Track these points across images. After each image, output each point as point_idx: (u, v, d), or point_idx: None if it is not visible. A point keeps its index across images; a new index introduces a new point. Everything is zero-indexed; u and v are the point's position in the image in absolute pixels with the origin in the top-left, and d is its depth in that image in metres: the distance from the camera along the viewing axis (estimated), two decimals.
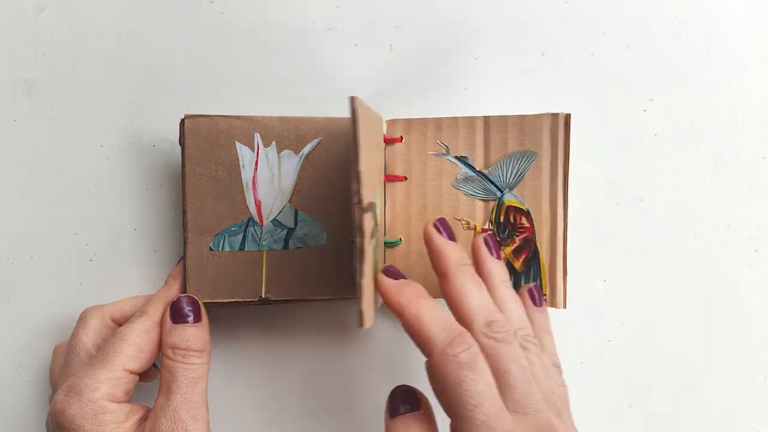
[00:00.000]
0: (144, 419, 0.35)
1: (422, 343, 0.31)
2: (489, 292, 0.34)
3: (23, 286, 0.43)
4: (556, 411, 0.33)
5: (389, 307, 0.33)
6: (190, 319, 0.37)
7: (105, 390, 0.34)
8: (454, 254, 0.34)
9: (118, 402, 0.35)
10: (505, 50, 0.44)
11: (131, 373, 0.36)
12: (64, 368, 0.37)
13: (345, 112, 0.44)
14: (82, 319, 0.39)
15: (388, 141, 0.41)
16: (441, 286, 0.34)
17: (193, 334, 0.36)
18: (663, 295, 0.45)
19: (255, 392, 0.44)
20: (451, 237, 0.35)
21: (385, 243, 0.41)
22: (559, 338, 0.43)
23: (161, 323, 0.37)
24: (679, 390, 0.45)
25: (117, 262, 0.43)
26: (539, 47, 0.44)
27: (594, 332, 0.45)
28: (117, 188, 0.43)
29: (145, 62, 0.43)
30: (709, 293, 0.45)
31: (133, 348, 0.36)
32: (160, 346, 0.36)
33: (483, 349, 0.32)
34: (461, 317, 0.33)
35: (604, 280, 0.45)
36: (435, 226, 0.35)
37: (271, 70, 0.44)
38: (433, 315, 0.32)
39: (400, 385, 0.35)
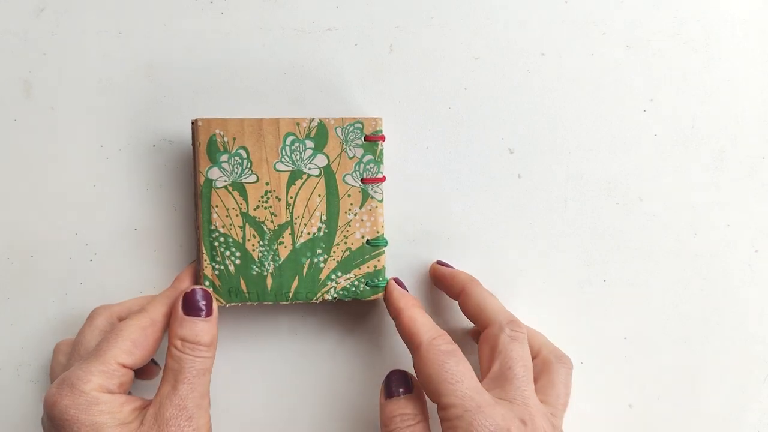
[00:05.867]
0: (142, 409, 0.35)
1: (413, 337, 0.37)
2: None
3: (23, 286, 0.43)
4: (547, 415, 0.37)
5: (390, 308, 0.40)
6: (203, 313, 0.37)
7: (97, 382, 0.34)
8: (464, 274, 0.42)
9: (111, 393, 0.35)
10: (505, 50, 0.44)
11: (124, 367, 0.35)
12: (66, 366, 0.37)
13: (344, 113, 0.44)
14: (90, 318, 0.39)
15: (369, 138, 0.41)
16: (461, 302, 0.41)
17: (203, 328, 0.36)
18: (663, 295, 0.45)
19: (258, 395, 0.44)
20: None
21: (378, 242, 0.41)
22: (558, 338, 0.43)
23: (171, 314, 0.37)
24: (679, 390, 0.45)
25: (117, 262, 0.43)
26: (539, 47, 0.44)
27: (594, 332, 0.45)
28: (117, 188, 0.43)
29: (145, 62, 0.43)
30: (709, 293, 0.45)
31: (128, 343, 0.36)
32: (169, 338, 0.36)
33: (498, 345, 0.37)
34: (485, 320, 0.39)
35: (604, 280, 0.45)
36: (439, 262, 0.43)
37: (271, 70, 0.44)
38: (425, 319, 0.38)
39: (395, 370, 0.39)
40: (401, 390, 0.38)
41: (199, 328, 0.36)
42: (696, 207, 0.45)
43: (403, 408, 0.37)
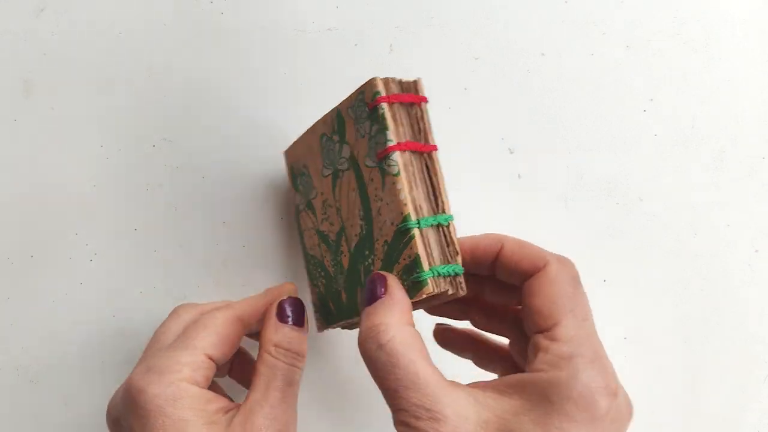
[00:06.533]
0: (226, 411, 0.33)
1: (534, 259, 0.32)
2: None
3: (23, 286, 0.43)
4: None
5: (481, 255, 0.33)
6: (290, 320, 0.36)
7: (187, 372, 0.32)
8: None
9: (199, 387, 0.33)
10: (505, 50, 0.44)
11: (211, 360, 0.34)
12: (143, 355, 0.36)
13: None
14: (175, 312, 0.37)
15: (371, 106, 0.33)
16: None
17: (296, 337, 0.35)
18: (663, 295, 0.45)
19: None
20: None
21: (407, 224, 0.32)
22: None
23: (265, 321, 0.36)
24: (679, 390, 0.45)
25: (117, 262, 0.43)
26: (539, 47, 0.44)
27: None
28: (117, 188, 0.43)
29: (145, 62, 0.43)
30: (709, 293, 0.45)
31: (215, 336, 0.34)
32: (261, 344, 0.35)
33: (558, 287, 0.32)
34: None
35: (604, 280, 0.45)
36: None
37: (271, 70, 0.44)
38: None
39: (371, 276, 0.33)
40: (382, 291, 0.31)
41: (293, 336, 0.35)
42: (696, 207, 0.45)
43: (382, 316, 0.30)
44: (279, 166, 0.43)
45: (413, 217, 0.31)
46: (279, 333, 0.35)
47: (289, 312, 0.36)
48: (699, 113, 0.45)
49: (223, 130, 0.44)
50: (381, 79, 0.32)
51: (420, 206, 0.32)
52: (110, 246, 0.43)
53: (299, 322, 0.36)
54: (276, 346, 0.34)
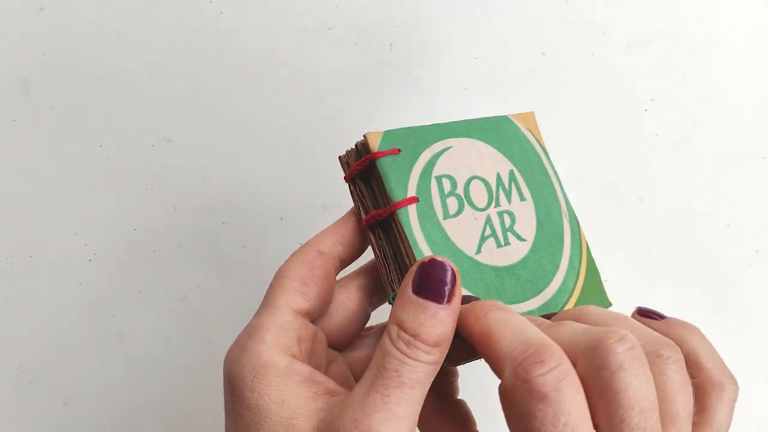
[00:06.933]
0: (330, 396, 0.25)
1: (494, 363, 0.24)
2: None
3: (23, 286, 0.43)
4: None
5: (465, 336, 0.26)
6: (443, 297, 0.25)
7: (271, 338, 0.26)
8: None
9: (291, 355, 0.26)
10: (505, 50, 0.44)
11: (301, 315, 0.27)
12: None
13: (344, 113, 0.44)
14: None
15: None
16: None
17: (434, 319, 0.24)
18: (663, 295, 0.45)
19: None
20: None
21: None
22: None
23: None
24: None
25: (116, 262, 0.43)
26: (539, 47, 0.44)
27: None
28: (117, 188, 0.43)
29: (145, 62, 0.43)
30: (709, 293, 0.45)
31: (296, 282, 0.27)
32: (389, 318, 0.25)
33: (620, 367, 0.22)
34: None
35: (605, 280, 0.45)
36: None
37: (271, 70, 0.44)
38: (507, 326, 0.24)
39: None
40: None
41: (427, 317, 0.24)
42: (696, 207, 0.45)
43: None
44: (278, 166, 0.43)
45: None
46: (409, 310, 0.24)
47: (433, 282, 0.25)
48: (699, 113, 0.45)
49: (223, 130, 0.44)
50: (340, 156, 0.30)
51: (393, 281, 0.28)
52: (110, 246, 0.43)
53: (443, 295, 0.25)
54: (399, 325, 0.24)
